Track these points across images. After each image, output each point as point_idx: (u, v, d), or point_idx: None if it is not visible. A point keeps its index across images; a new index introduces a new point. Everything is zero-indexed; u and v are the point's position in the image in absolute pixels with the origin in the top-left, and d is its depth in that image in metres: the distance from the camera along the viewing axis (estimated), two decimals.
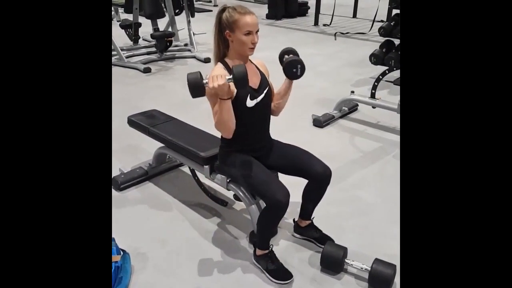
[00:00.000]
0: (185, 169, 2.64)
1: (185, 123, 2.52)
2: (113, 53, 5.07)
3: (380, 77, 3.41)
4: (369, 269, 1.73)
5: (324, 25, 7.69)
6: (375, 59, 3.52)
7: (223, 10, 1.67)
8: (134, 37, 5.57)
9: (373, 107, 3.50)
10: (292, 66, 1.73)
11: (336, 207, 2.29)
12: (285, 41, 6.56)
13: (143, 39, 5.94)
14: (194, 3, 6.26)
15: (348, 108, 3.65)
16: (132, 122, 2.56)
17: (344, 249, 1.82)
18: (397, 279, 1.74)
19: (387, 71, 3.40)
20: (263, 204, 1.77)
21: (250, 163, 1.75)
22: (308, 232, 2.01)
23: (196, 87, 1.52)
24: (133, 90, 4.27)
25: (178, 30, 5.81)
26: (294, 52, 1.84)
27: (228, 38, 1.67)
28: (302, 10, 8.81)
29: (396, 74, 4.21)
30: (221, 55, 1.73)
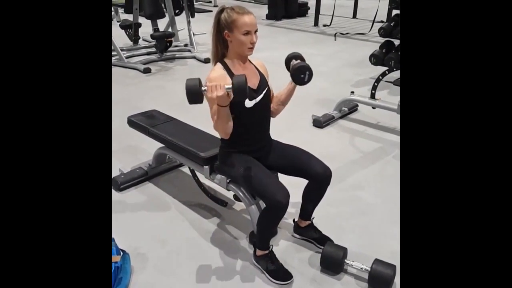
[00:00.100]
0: (185, 169, 2.64)
1: (185, 124, 2.51)
2: (113, 53, 5.07)
3: (380, 77, 3.41)
4: (369, 269, 1.73)
5: (324, 25, 7.69)
6: (375, 59, 3.52)
7: (221, 10, 1.67)
8: (134, 38, 5.57)
9: (373, 108, 3.50)
10: (301, 72, 1.73)
11: (336, 208, 2.29)
12: (285, 41, 6.56)
13: (143, 40, 5.94)
14: (194, 3, 6.26)
15: (348, 109, 3.65)
16: (132, 122, 2.56)
17: (344, 250, 1.82)
18: (397, 280, 1.74)
19: (387, 72, 3.40)
20: (263, 205, 1.77)
21: (250, 163, 1.75)
22: (307, 233, 2.01)
23: (194, 94, 1.50)
24: (133, 90, 4.27)
25: (178, 30, 5.81)
26: (301, 57, 1.85)
27: (227, 39, 1.67)
28: (302, 11, 8.81)
29: (396, 74, 4.21)
30: (220, 55, 1.73)
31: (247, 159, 1.78)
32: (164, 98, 4.03)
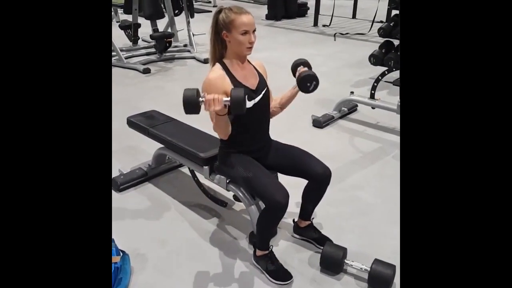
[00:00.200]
0: (185, 170, 2.64)
1: (184, 124, 2.51)
2: (112, 54, 5.07)
3: (380, 77, 3.41)
4: (369, 269, 1.73)
5: (324, 25, 7.69)
6: (375, 59, 3.52)
7: (219, 11, 1.67)
8: (134, 38, 5.57)
9: (373, 108, 3.50)
10: (307, 81, 1.74)
11: (335, 208, 2.29)
12: (285, 42, 6.56)
13: (142, 40, 5.94)
14: (194, 3, 6.26)
15: (348, 109, 3.66)
16: (132, 123, 2.56)
17: (344, 250, 1.82)
18: (396, 280, 1.74)
19: (386, 72, 3.40)
20: (262, 205, 1.77)
21: (250, 163, 1.75)
22: (307, 233, 2.01)
23: (191, 105, 1.49)
24: (132, 90, 4.27)
25: (177, 30, 5.81)
26: (308, 64, 1.86)
27: (225, 39, 1.67)
28: (301, 11, 8.81)
29: (395, 74, 4.21)
30: (218, 56, 1.73)
31: (247, 159, 1.78)
32: (164, 98, 4.03)
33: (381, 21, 6.39)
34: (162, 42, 5.20)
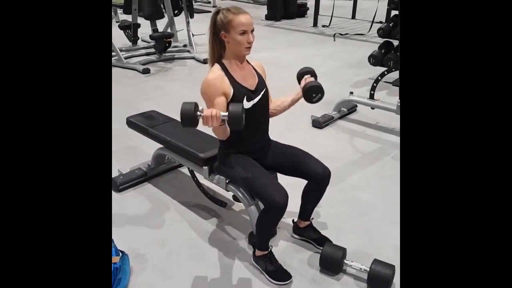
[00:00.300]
0: (184, 170, 2.64)
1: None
2: (112, 54, 5.07)
3: (379, 78, 3.41)
4: (368, 269, 1.73)
5: (323, 26, 7.70)
6: (374, 60, 3.53)
7: (217, 12, 1.67)
8: (133, 38, 5.57)
9: (372, 108, 3.51)
10: (313, 91, 1.75)
11: (335, 208, 2.29)
12: (284, 42, 6.57)
13: (142, 40, 5.94)
14: (193, 4, 6.26)
15: (347, 109, 3.66)
16: (131, 123, 2.56)
17: (343, 250, 1.82)
18: (396, 280, 1.74)
19: (386, 72, 3.40)
20: (262, 205, 1.77)
21: (249, 164, 1.75)
22: (306, 233, 2.02)
23: (189, 120, 1.48)
24: (132, 91, 4.27)
25: (177, 31, 5.81)
26: (314, 73, 1.87)
27: (224, 39, 1.67)
28: (301, 11, 8.81)
29: (395, 75, 4.22)
30: (217, 57, 1.73)
31: (246, 160, 1.78)
32: (163, 98, 4.03)
33: (381, 22, 6.40)
34: (162, 42, 5.20)
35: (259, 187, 1.67)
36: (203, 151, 2.06)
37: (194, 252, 1.96)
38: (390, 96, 4.06)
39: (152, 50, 5.47)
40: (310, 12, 8.42)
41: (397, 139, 3.18)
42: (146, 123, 2.48)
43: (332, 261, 1.80)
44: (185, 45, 5.79)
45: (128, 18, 5.69)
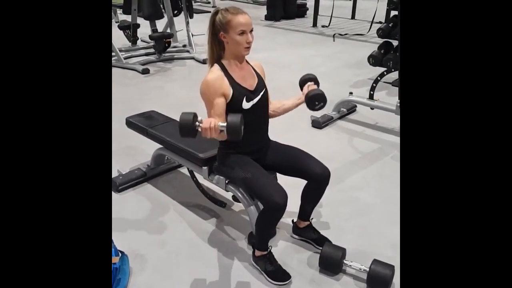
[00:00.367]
0: (184, 170, 2.64)
1: None
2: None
3: (379, 78, 3.41)
4: (368, 270, 1.73)
5: (323, 26, 7.70)
6: (374, 60, 3.53)
7: (216, 12, 1.67)
8: (133, 38, 5.57)
9: (372, 108, 3.51)
10: (316, 100, 1.77)
11: (334, 208, 2.29)
12: (284, 42, 6.57)
13: (141, 40, 5.94)
14: (193, 4, 6.26)
15: (347, 109, 3.66)
16: (131, 123, 2.55)
17: (343, 250, 1.82)
18: (395, 280, 1.74)
19: (385, 72, 3.41)
20: (261, 205, 1.78)
21: (248, 164, 1.75)
22: (306, 233, 2.02)
23: (187, 131, 1.48)
24: (131, 91, 4.27)
25: (176, 31, 5.81)
26: (316, 80, 1.90)
27: (223, 40, 1.67)
28: (300, 11, 8.82)
29: (394, 75, 4.22)
30: (216, 57, 1.73)
31: (246, 160, 1.78)
32: (163, 99, 4.03)
33: (380, 22, 6.40)
34: (161, 43, 5.20)
35: (259, 187, 1.67)
36: (202, 151, 2.06)
37: (193, 252, 1.96)
38: (389, 97, 4.06)
39: (152, 50, 5.47)
40: (310, 12, 8.42)
41: (396, 139, 3.18)
42: (146, 123, 2.48)
43: (332, 261, 1.80)
44: (184, 45, 5.79)
45: (128, 18, 5.69)
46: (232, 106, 1.68)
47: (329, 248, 1.83)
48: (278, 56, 5.64)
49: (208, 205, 2.31)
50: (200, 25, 6.55)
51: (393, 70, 3.42)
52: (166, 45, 5.26)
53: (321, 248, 1.86)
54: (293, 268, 1.85)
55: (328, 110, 3.56)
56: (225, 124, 1.47)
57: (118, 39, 5.64)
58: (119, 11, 6.59)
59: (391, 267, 1.72)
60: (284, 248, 1.99)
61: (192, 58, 5.48)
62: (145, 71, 4.83)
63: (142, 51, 5.58)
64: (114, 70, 4.90)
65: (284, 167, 1.86)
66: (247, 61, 1.79)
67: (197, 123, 1.47)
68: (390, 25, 3.47)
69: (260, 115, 1.81)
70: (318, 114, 3.47)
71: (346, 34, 7.10)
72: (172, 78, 4.74)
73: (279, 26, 7.91)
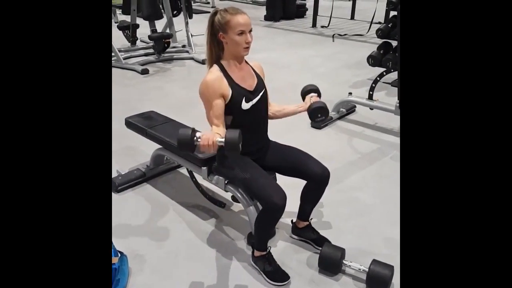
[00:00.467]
0: (183, 170, 2.64)
1: (182, 125, 2.51)
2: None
3: (378, 78, 3.41)
4: (367, 270, 1.73)
5: (322, 26, 7.71)
6: (373, 60, 3.53)
7: (214, 13, 1.67)
8: (132, 39, 5.57)
9: (371, 109, 3.51)
10: (319, 113, 1.79)
11: (334, 208, 2.29)
12: (283, 42, 6.57)
13: (141, 41, 5.94)
14: (192, 4, 6.26)
15: (346, 110, 3.66)
16: (130, 123, 2.55)
17: (342, 250, 1.82)
18: (395, 280, 1.74)
19: (384, 73, 3.41)
20: (261, 206, 1.77)
21: (248, 165, 1.75)
22: (305, 234, 2.02)
23: (185, 146, 1.48)
24: (131, 91, 4.27)
25: (176, 31, 5.81)
26: (318, 91, 1.92)
27: (222, 40, 1.67)
28: (300, 12, 8.83)
29: (393, 75, 4.22)
30: (215, 58, 1.73)
31: (245, 160, 1.78)
32: (162, 99, 4.03)
33: (379, 22, 6.41)
34: (161, 43, 5.20)
35: (257, 188, 1.67)
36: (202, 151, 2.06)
37: (192, 252, 1.96)
38: (388, 97, 4.06)
39: (151, 50, 5.47)
40: (309, 12, 8.43)
41: (395, 140, 3.18)
42: (145, 123, 2.48)
43: (331, 262, 1.80)
44: (184, 46, 5.79)
45: (127, 18, 5.69)
46: (232, 106, 1.68)
47: (329, 248, 1.83)
48: (278, 57, 5.64)
49: (208, 206, 2.31)
50: (199, 25, 6.55)
51: (392, 70, 3.41)
52: (166, 45, 5.26)
53: (320, 248, 1.86)
54: (292, 268, 1.85)
55: None
56: (223, 139, 1.47)
57: (118, 39, 5.64)
58: (118, 11, 6.60)
59: (391, 267, 1.72)
60: (284, 248, 1.99)
61: (192, 58, 5.48)
62: (145, 72, 4.83)
63: (142, 52, 5.57)
64: (113, 70, 4.90)
65: (284, 167, 1.86)
66: (246, 62, 1.79)
67: (195, 138, 1.48)
68: (389, 25, 3.46)
69: (260, 115, 1.81)
70: None
71: (345, 34, 7.11)
72: (171, 79, 4.74)
73: (279, 26, 7.91)
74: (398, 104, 3.18)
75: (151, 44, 5.39)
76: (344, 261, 1.81)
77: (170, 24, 5.70)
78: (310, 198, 1.93)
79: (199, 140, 1.47)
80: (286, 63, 5.35)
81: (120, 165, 2.61)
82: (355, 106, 3.74)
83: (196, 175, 2.27)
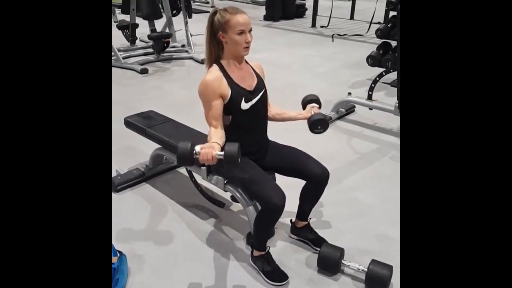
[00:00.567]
0: (182, 170, 2.64)
1: (182, 124, 2.51)
2: None
3: (377, 78, 3.42)
4: (366, 270, 1.73)
5: (322, 26, 7.71)
6: (372, 60, 3.53)
7: (214, 13, 1.67)
8: (131, 38, 5.56)
9: (370, 109, 3.51)
10: (319, 125, 1.84)
11: (333, 208, 2.30)
12: (283, 42, 6.57)
13: (140, 40, 5.93)
14: (192, 4, 6.26)
15: (345, 110, 3.66)
16: (129, 123, 2.55)
17: (341, 250, 1.83)
18: (394, 281, 1.74)
19: (384, 73, 3.41)
20: (260, 206, 1.77)
21: (247, 165, 1.75)
22: (304, 233, 2.02)
23: (185, 161, 1.49)
24: (130, 91, 4.27)
25: (175, 31, 5.81)
26: (319, 101, 1.98)
27: (221, 40, 1.67)
28: (299, 12, 8.83)
29: (393, 75, 4.22)
30: (214, 58, 1.73)
31: (244, 160, 1.77)
32: (161, 98, 4.03)
33: (379, 22, 6.41)
34: (160, 43, 5.20)
35: (257, 188, 1.67)
36: None
37: (192, 252, 1.96)
38: (388, 97, 4.06)
39: (150, 50, 5.46)
40: (309, 12, 8.43)
41: (395, 140, 3.19)
42: (144, 123, 2.48)
43: (330, 261, 1.81)
44: (183, 45, 5.79)
45: (126, 18, 5.69)
46: (231, 106, 1.68)
47: (328, 248, 1.83)
48: (277, 57, 5.64)
49: (207, 205, 2.31)
50: (198, 25, 6.54)
51: (391, 70, 3.42)
52: (165, 45, 5.26)
53: (318, 248, 1.86)
54: (291, 268, 1.85)
55: (326, 110, 3.57)
56: (222, 153, 1.47)
57: (117, 39, 5.64)
58: (117, 10, 6.59)
59: (389, 267, 1.72)
60: (283, 248, 1.99)
61: (191, 58, 5.48)
62: (144, 71, 4.82)
63: (141, 51, 5.57)
64: (112, 70, 4.89)
65: (283, 167, 1.86)
66: (246, 62, 1.79)
67: (194, 152, 1.47)
68: (389, 25, 3.46)
69: (259, 115, 1.81)
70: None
71: (345, 34, 7.11)
72: (170, 78, 4.74)
73: (278, 26, 7.91)
74: (397, 104, 3.18)
75: (151, 43, 5.39)
76: (343, 261, 1.81)
77: (169, 23, 5.70)
78: (309, 198, 1.93)
79: (198, 154, 1.47)
80: (285, 63, 5.35)
81: (119, 165, 2.61)
82: (354, 106, 3.74)
83: (195, 175, 2.27)
